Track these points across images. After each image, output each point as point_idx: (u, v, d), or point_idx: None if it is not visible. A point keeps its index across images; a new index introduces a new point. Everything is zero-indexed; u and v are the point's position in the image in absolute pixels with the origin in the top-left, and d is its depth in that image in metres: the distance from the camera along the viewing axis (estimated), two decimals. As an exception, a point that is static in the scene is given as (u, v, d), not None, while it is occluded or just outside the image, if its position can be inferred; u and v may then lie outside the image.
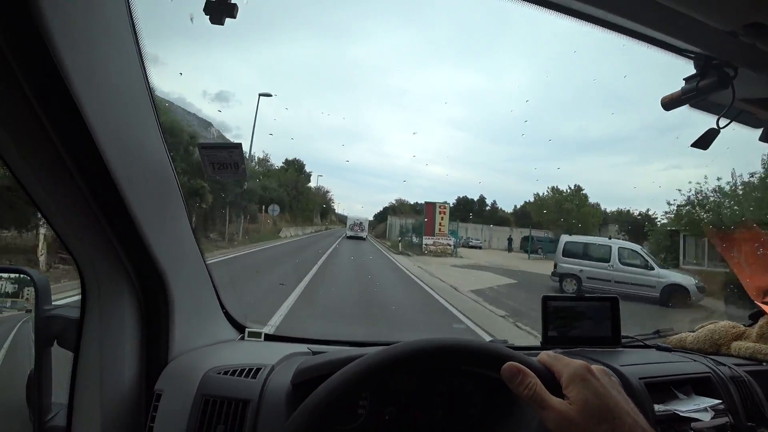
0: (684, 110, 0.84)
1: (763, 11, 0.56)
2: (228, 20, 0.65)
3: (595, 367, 0.52)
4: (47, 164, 0.64)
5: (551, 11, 0.68)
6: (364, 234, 26.74)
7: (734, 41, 0.63)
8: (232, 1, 0.62)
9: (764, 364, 1.26)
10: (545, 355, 0.54)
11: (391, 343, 1.20)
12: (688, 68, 0.79)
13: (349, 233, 26.09)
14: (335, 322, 5.76)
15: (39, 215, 0.71)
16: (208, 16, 0.63)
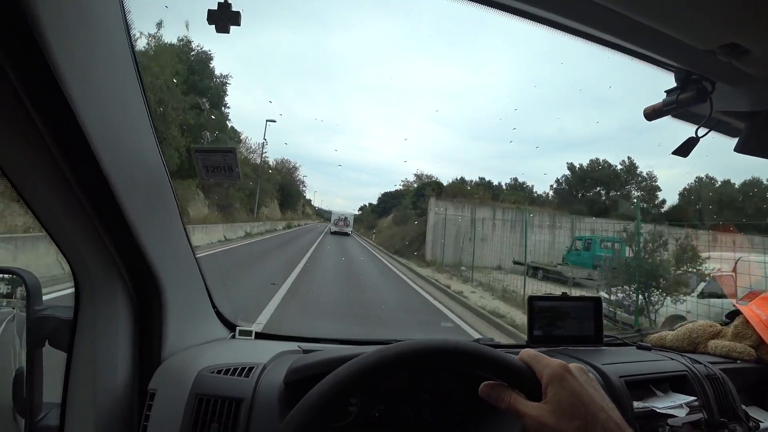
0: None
1: (738, 32, 0.59)
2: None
3: (572, 365, 0.55)
4: (40, 165, 0.64)
5: (538, 24, 0.70)
6: (349, 230, 26.68)
7: (712, 58, 0.66)
8: (235, 9, 0.63)
9: (738, 362, 1.31)
10: (526, 354, 0.57)
11: (380, 341, 1.23)
12: (669, 77, 0.82)
13: (334, 228, 25.94)
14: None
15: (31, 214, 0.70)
16: (213, 26, 0.63)
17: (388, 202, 36.85)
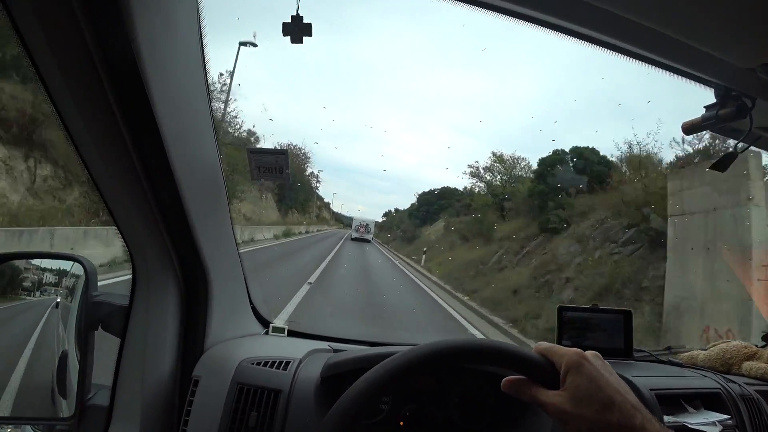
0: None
1: None
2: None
3: (588, 352, 0.57)
4: (119, 163, 0.71)
5: (572, 38, 0.73)
6: (369, 236, 25.60)
7: (752, 76, 0.67)
8: (306, 21, 0.68)
9: None
10: (541, 346, 0.59)
11: (407, 343, 1.26)
12: (708, 93, 0.84)
13: (354, 235, 25.26)
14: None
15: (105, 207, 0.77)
16: (288, 37, 0.69)
17: (434, 203, 27.55)
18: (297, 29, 0.69)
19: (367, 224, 26.25)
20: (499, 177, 18.42)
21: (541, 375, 0.57)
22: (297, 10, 0.68)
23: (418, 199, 31.43)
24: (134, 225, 0.82)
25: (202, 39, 0.72)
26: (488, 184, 18.62)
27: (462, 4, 0.68)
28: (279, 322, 1.32)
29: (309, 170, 30.59)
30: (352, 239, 24.94)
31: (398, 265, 17.48)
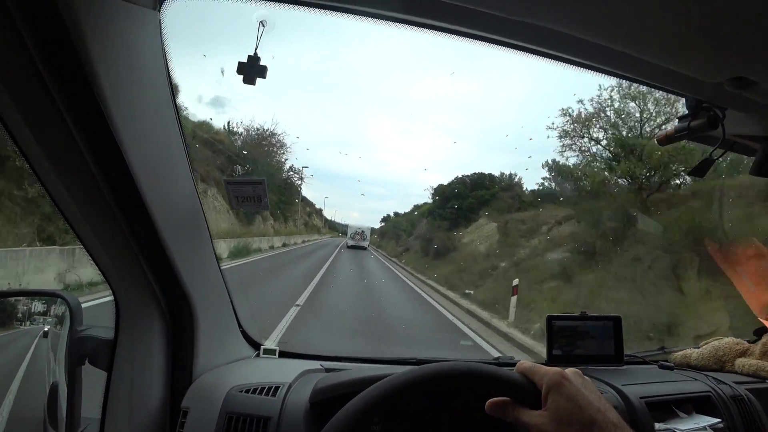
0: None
1: (743, 67, 0.61)
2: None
3: (568, 370, 0.57)
4: (90, 197, 0.70)
5: (555, 61, 0.73)
6: (365, 243, 24.75)
7: (721, 89, 0.68)
8: (262, 63, 0.68)
9: (767, 381, 1.28)
10: (522, 367, 0.60)
11: (399, 360, 1.25)
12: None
13: (350, 242, 24.47)
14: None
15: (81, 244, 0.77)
16: (242, 76, 0.69)
17: (466, 195, 19.12)
18: (252, 70, 0.69)
19: (362, 231, 25.45)
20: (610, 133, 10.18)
21: (523, 395, 0.58)
22: (255, 50, 0.68)
23: (434, 193, 22.70)
24: (111, 258, 0.82)
25: (169, 73, 0.72)
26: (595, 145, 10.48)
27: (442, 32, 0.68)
28: (270, 343, 1.32)
29: (288, 163, 23.40)
30: (348, 247, 24.21)
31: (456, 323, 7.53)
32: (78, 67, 0.56)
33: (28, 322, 1.11)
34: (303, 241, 26.81)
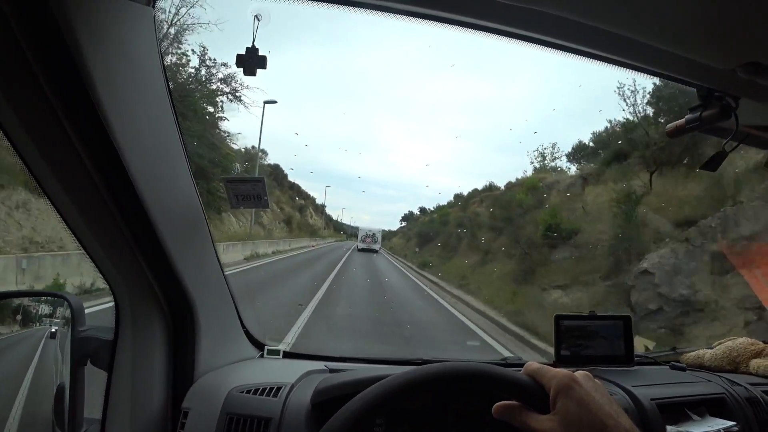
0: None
1: (757, 51, 0.59)
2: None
3: (578, 372, 0.55)
4: (88, 199, 0.70)
5: (559, 51, 0.71)
6: (377, 246, 24.14)
7: (733, 76, 0.65)
8: (261, 53, 0.67)
9: None
10: (530, 368, 0.58)
11: (404, 360, 1.23)
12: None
13: (361, 245, 23.78)
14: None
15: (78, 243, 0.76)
16: (241, 68, 0.68)
17: None
18: (251, 61, 0.68)
19: (373, 234, 24.58)
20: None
21: (531, 398, 0.56)
22: (253, 42, 0.67)
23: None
24: (110, 258, 0.81)
25: (165, 70, 0.71)
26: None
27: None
28: (274, 343, 1.30)
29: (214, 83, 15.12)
30: (359, 250, 23.13)
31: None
32: (72, 66, 0.55)
33: (37, 323, 1.11)
34: (272, 254, 15.81)
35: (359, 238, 24.74)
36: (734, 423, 1.00)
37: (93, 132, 0.61)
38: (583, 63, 0.73)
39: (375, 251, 23.60)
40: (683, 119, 0.80)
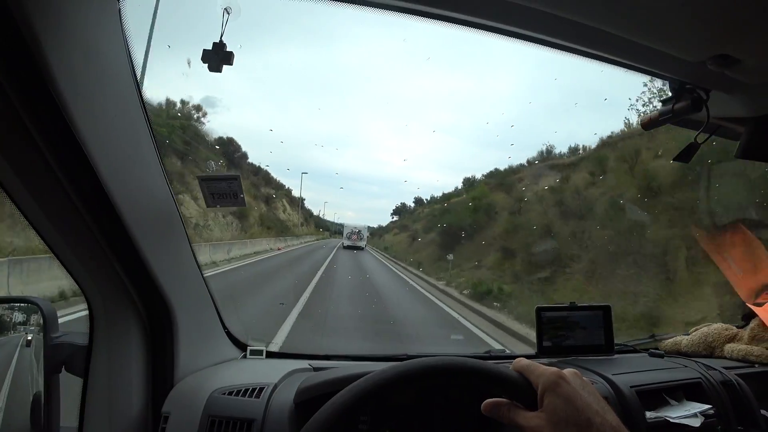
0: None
1: (727, 43, 0.60)
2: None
3: (567, 370, 0.55)
4: (55, 201, 0.67)
5: (535, 44, 0.71)
6: (362, 243, 23.27)
7: (704, 69, 0.66)
8: (229, 49, 0.65)
9: (756, 366, 1.29)
10: (519, 364, 0.58)
11: (390, 356, 1.23)
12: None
13: (347, 243, 22.82)
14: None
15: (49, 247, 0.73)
16: (206, 65, 0.66)
17: None
18: (217, 57, 0.66)
19: (359, 231, 23.72)
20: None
21: (518, 394, 0.56)
22: (221, 37, 0.65)
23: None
24: (81, 261, 0.79)
25: (133, 66, 0.68)
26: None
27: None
28: (258, 343, 1.29)
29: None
30: (345, 247, 22.15)
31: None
32: (32, 62, 0.52)
33: (11, 331, 1.08)
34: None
35: (344, 235, 23.93)
36: (710, 406, 1.03)
37: (56, 129, 0.58)
38: (558, 56, 0.74)
39: (361, 248, 23.12)
40: (657, 111, 0.81)
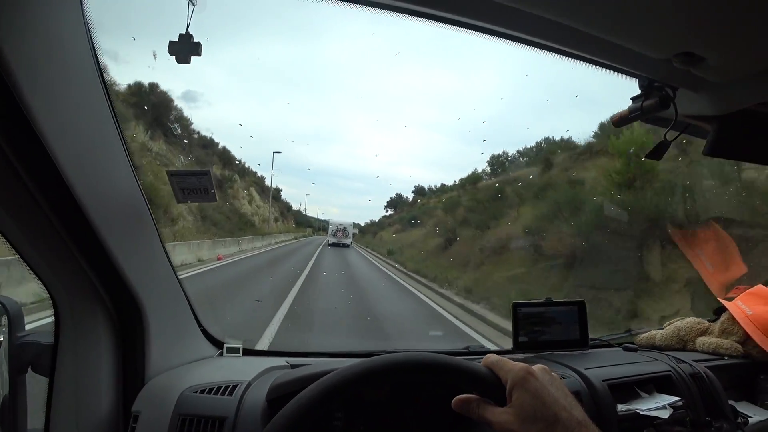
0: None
1: (691, 41, 0.61)
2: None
3: (536, 366, 0.56)
4: (15, 195, 0.65)
5: (506, 41, 0.72)
6: (348, 240, 22.84)
7: (670, 66, 0.67)
8: (195, 40, 0.64)
9: (726, 358, 1.32)
10: (489, 360, 0.59)
11: (365, 352, 1.23)
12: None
13: (332, 240, 22.44)
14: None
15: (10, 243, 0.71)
16: (174, 57, 0.64)
17: None
18: (185, 48, 0.64)
19: (344, 228, 23.13)
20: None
21: (488, 390, 0.56)
22: (187, 28, 0.64)
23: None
24: (43, 257, 0.76)
25: (96, 57, 0.66)
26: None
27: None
28: (235, 341, 1.27)
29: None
30: (330, 245, 21.57)
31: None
32: None
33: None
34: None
35: (329, 232, 23.21)
36: (679, 398, 1.05)
37: (12, 118, 0.56)
38: (529, 53, 0.74)
39: (346, 245, 22.65)
40: (627, 108, 0.82)
